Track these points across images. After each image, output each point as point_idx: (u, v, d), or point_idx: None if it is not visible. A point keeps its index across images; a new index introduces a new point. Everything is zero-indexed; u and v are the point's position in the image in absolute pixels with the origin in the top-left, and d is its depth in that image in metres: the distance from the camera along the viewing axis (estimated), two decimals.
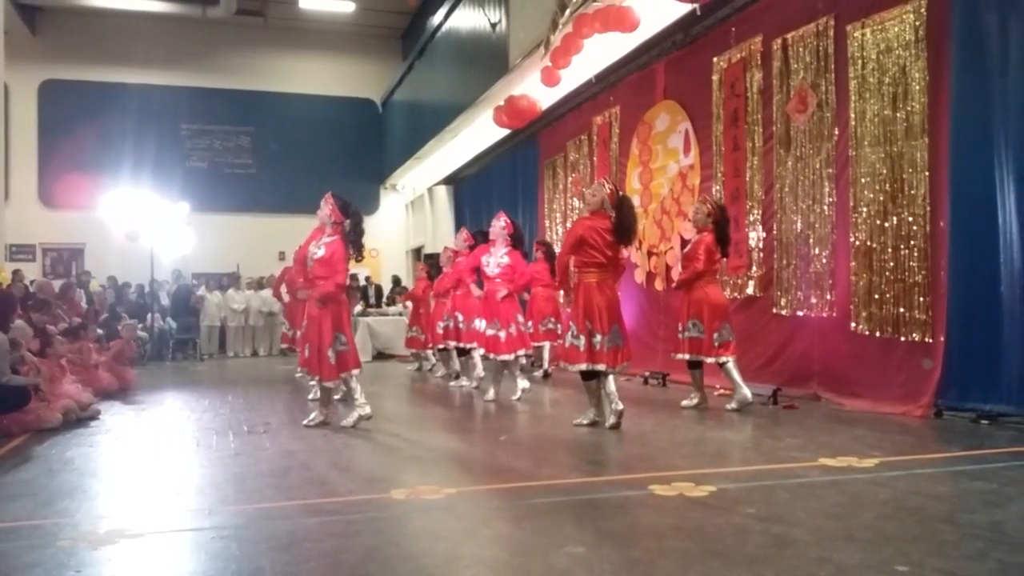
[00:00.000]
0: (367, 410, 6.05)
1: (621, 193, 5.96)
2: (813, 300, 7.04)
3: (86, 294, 13.61)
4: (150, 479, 4.56)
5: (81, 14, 17.39)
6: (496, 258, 7.52)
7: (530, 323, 9.03)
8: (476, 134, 13.91)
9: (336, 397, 6.78)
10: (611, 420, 5.64)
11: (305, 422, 6.16)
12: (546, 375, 9.55)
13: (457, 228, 15.90)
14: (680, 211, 9.00)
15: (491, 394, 7.47)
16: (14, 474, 4.61)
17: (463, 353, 8.80)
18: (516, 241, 7.67)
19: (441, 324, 9.16)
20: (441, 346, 9.50)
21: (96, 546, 3.11)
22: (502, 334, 7.34)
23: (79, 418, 6.56)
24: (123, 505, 3.94)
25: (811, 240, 7.08)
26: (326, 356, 5.96)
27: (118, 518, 3.57)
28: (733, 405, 6.43)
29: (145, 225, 14.49)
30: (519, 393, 7.49)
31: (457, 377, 9.17)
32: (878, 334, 6.29)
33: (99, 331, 9.89)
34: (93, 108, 17.24)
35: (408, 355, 12.00)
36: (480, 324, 7.59)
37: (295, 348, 8.10)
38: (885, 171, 6.28)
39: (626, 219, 5.75)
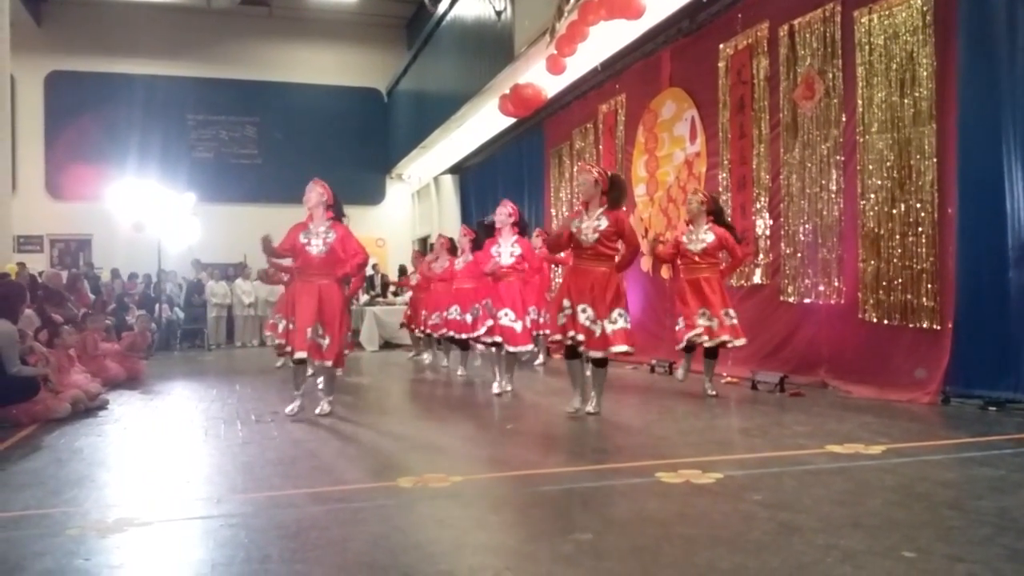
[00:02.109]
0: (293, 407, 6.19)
1: (611, 174, 5.97)
2: (820, 287, 7.01)
3: (91, 284, 13.66)
4: (158, 468, 4.58)
5: (86, 5, 17.41)
6: (507, 247, 7.42)
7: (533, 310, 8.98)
8: (482, 123, 13.88)
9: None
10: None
11: (317, 411, 6.17)
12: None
13: (463, 217, 15.97)
14: (686, 199, 8.94)
15: (496, 387, 7.27)
16: (23, 464, 4.64)
17: (453, 342, 8.75)
18: (521, 228, 7.62)
19: (438, 314, 9.12)
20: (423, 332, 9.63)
21: (105, 534, 3.13)
22: (518, 325, 7.13)
23: (87, 408, 6.58)
24: (132, 494, 3.96)
25: (818, 227, 7.05)
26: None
27: (127, 507, 3.59)
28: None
29: (152, 216, 14.52)
30: (507, 388, 7.27)
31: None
32: (886, 321, 6.27)
33: (108, 320, 9.92)
34: (99, 99, 17.26)
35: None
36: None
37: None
38: (893, 157, 6.24)
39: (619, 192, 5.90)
